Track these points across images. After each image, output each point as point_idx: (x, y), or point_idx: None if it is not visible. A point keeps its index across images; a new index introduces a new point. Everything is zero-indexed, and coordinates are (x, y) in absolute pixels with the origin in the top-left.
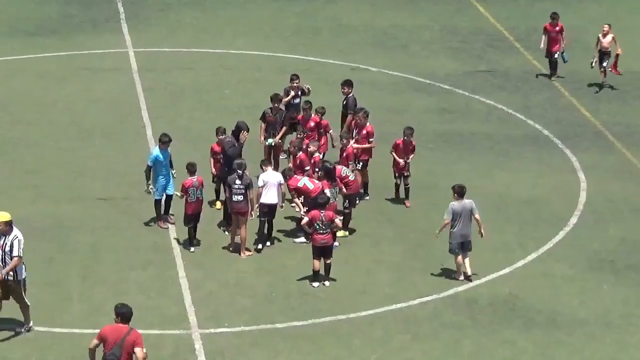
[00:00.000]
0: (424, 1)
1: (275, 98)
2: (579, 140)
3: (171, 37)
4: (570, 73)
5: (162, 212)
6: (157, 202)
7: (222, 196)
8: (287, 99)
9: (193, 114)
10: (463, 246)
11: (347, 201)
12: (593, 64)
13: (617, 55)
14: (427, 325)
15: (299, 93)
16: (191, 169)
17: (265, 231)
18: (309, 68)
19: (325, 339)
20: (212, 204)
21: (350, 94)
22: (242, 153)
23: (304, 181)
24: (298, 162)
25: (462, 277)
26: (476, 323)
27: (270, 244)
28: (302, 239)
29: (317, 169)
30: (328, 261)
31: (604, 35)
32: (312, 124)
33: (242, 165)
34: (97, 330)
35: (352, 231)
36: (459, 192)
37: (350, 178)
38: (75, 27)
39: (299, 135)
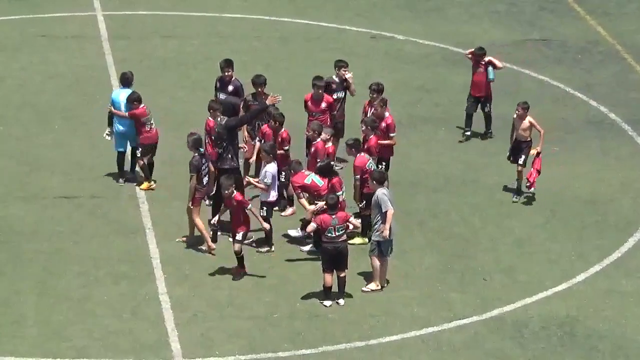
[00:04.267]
0: None
1: (258, 81)
2: None
3: None
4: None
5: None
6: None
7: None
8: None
9: (176, 93)
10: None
11: (364, 202)
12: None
13: (538, 154)
14: (466, 355)
15: (344, 85)
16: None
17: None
18: (320, 36)
19: None
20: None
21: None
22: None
23: (311, 177)
24: (312, 150)
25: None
26: (526, 352)
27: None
28: (311, 247)
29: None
30: (342, 274)
31: (520, 119)
32: (324, 105)
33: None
34: None
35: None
36: (381, 179)
37: None
38: None
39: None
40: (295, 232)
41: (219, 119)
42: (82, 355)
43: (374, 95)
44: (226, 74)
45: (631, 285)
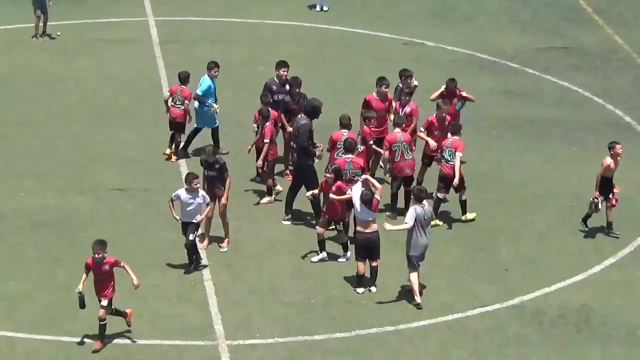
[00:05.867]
0: None
1: (295, 82)
2: None
3: (197, 4)
4: None
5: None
6: (197, 132)
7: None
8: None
9: (222, 93)
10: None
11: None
12: (597, 206)
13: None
14: (489, 340)
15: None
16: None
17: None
18: (355, 42)
19: (372, 354)
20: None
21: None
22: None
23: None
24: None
25: (419, 300)
26: (544, 338)
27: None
28: (320, 258)
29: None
30: (374, 264)
31: (617, 157)
32: (386, 103)
33: None
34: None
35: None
36: (418, 196)
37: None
38: None
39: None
40: (343, 259)
41: (299, 116)
42: (133, 337)
43: (407, 98)
44: (282, 72)
45: None
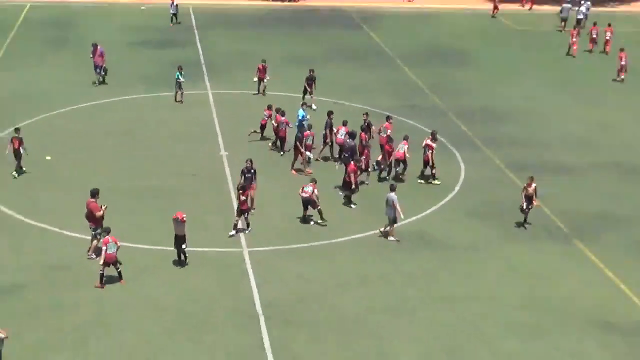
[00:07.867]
0: (375, 68)
1: (330, 114)
2: (460, 144)
3: (234, 84)
4: (455, 106)
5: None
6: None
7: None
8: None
9: (248, 129)
10: (389, 220)
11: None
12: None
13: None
14: (390, 250)
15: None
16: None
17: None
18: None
19: (321, 259)
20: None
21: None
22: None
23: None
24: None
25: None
26: (405, 250)
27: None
28: (234, 233)
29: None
30: (317, 208)
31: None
32: None
33: None
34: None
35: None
36: (390, 187)
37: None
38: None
39: None
40: (231, 232)
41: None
42: (187, 245)
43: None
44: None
45: (450, 217)
